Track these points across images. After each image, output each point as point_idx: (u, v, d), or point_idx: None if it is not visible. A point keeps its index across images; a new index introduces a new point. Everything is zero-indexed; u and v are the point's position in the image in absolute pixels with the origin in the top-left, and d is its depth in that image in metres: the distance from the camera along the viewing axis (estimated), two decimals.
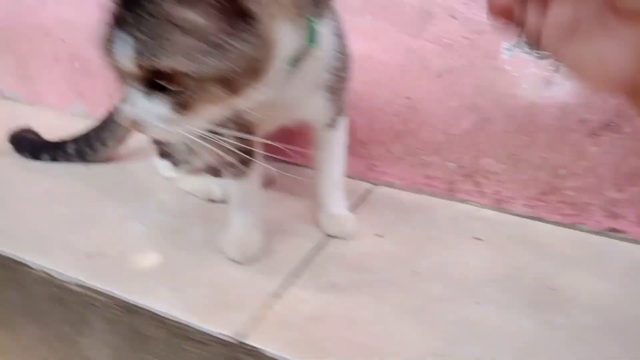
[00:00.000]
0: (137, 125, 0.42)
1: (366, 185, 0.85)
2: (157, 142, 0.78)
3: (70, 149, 0.83)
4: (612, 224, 0.73)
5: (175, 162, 0.76)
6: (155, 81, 0.39)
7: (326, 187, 0.66)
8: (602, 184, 0.72)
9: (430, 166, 0.82)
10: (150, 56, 0.38)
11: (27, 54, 1.16)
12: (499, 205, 0.79)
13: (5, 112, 1.14)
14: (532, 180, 0.76)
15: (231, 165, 0.59)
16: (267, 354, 0.45)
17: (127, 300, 0.51)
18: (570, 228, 0.74)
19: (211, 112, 0.42)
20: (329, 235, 0.66)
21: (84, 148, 0.83)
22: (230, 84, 0.40)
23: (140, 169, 0.85)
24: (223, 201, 0.75)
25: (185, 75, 0.38)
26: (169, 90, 0.39)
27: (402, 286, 0.56)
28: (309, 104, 0.55)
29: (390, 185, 0.86)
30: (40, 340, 0.60)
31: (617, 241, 0.71)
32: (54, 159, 0.84)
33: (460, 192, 0.81)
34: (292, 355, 0.44)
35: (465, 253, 0.65)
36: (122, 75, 0.41)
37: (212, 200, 0.75)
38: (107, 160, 0.86)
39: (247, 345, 0.46)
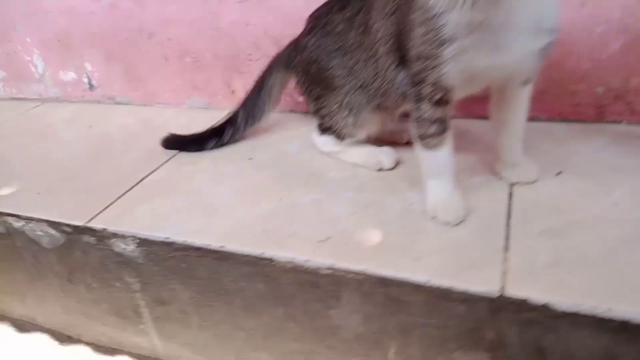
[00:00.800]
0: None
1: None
2: (320, 117, 0.83)
3: (227, 130, 0.93)
4: None
5: (340, 136, 0.81)
6: None
7: (511, 139, 0.70)
8: None
9: (576, 94, 0.84)
10: None
11: (133, 58, 1.21)
12: None
13: (132, 117, 1.21)
14: None
15: (431, 136, 0.64)
16: (533, 301, 0.52)
17: (382, 275, 0.59)
18: None
19: None
20: (513, 184, 0.71)
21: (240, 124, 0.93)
22: None
23: (294, 149, 0.91)
24: (392, 168, 0.80)
25: None
26: None
27: (610, 220, 0.61)
28: (531, 55, 0.60)
29: (535, 119, 0.88)
30: (285, 317, 0.70)
31: None
32: (220, 143, 0.94)
33: (611, 115, 0.83)
34: (556, 299, 0.51)
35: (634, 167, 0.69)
36: None
37: (381, 169, 0.80)
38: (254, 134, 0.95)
39: (511, 297, 0.53)
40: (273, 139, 0.96)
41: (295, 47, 0.85)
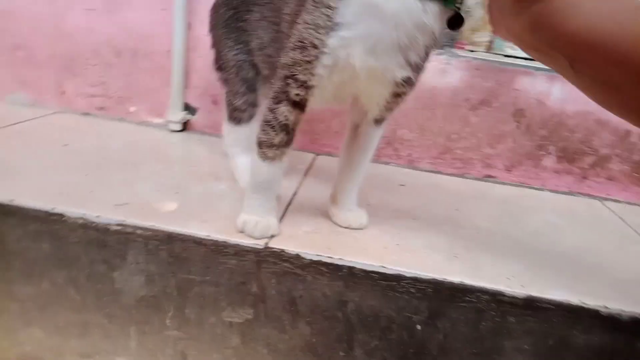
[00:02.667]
0: None
1: (310, 155, 1.07)
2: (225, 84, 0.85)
3: None
4: (488, 172, 1.04)
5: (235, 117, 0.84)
6: None
7: (349, 183, 0.72)
8: (480, 144, 1.03)
9: None
10: None
11: None
12: (412, 164, 1.06)
13: None
14: (434, 144, 1.05)
15: (274, 146, 0.63)
16: (288, 252, 0.63)
17: (168, 231, 0.65)
18: (461, 177, 1.04)
19: None
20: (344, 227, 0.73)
21: None
22: None
23: (115, 146, 0.95)
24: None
25: None
26: None
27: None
28: (387, 87, 0.61)
29: (329, 154, 1.08)
30: (66, 282, 0.69)
31: (491, 184, 1.03)
32: None
33: (384, 157, 1.06)
34: (305, 251, 0.63)
35: (395, 194, 0.90)
36: None
37: None
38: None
39: (273, 248, 0.64)
40: (91, 134, 1.00)
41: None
